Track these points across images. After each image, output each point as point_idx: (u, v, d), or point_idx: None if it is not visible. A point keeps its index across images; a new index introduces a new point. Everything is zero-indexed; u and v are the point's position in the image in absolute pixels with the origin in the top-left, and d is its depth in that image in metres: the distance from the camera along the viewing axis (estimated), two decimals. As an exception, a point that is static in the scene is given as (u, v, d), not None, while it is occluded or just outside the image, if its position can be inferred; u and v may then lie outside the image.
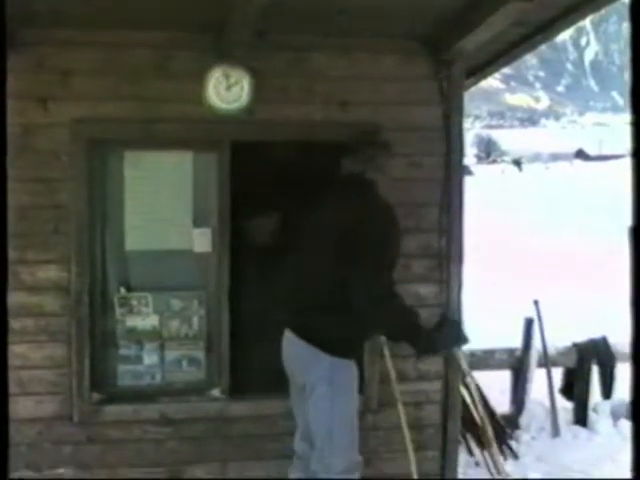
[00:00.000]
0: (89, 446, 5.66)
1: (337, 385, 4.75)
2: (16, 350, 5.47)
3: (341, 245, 4.66)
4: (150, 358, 5.82)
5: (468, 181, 6.10)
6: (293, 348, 4.90)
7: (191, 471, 5.76)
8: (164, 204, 5.77)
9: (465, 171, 6.21)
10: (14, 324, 5.45)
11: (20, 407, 5.53)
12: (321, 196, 5.10)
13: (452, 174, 5.81)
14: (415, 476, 5.31)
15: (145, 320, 5.79)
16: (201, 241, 5.73)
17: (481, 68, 7.08)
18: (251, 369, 5.87)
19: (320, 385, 4.75)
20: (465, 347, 6.41)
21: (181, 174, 5.78)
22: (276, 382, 5.82)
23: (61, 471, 5.63)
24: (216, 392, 5.77)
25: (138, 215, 5.74)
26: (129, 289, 5.76)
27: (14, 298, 5.43)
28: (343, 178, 5.05)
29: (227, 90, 5.49)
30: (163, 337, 5.83)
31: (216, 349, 5.79)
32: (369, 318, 4.70)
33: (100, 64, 5.48)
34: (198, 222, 5.77)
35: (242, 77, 5.50)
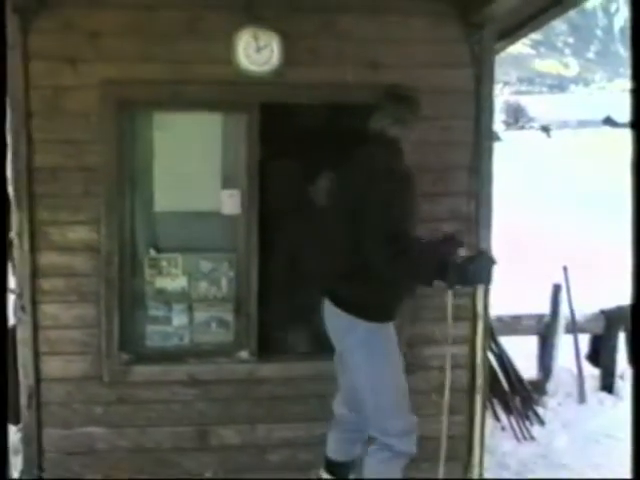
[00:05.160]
0: (118, 406, 5.71)
1: (375, 350, 4.76)
2: (46, 310, 5.53)
3: (358, 207, 4.63)
4: (179, 319, 5.84)
5: (496, 147, 6.06)
6: (330, 315, 4.92)
7: (219, 432, 5.80)
8: (193, 166, 5.76)
9: (494, 137, 6.16)
10: (45, 284, 5.51)
11: (50, 367, 5.60)
12: (345, 158, 5.04)
13: (482, 138, 5.78)
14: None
15: (174, 281, 5.81)
16: (229, 203, 5.72)
17: (511, 32, 7.04)
18: (279, 331, 5.89)
19: (358, 352, 4.77)
20: (492, 312, 6.40)
21: (210, 136, 5.77)
22: (304, 344, 5.87)
23: (91, 430, 5.68)
24: (244, 354, 5.78)
25: (167, 176, 5.75)
26: (158, 250, 5.78)
27: (45, 258, 5.49)
28: (367, 137, 4.98)
29: (257, 52, 5.46)
30: (192, 298, 5.84)
31: (244, 311, 5.79)
32: (387, 277, 4.69)
33: (129, 25, 5.47)
34: (227, 184, 5.76)
35: (272, 39, 5.47)
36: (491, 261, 4.78)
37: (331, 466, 5.23)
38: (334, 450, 5.24)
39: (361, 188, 4.66)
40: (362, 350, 4.74)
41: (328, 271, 4.94)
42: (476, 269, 4.69)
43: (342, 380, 5.08)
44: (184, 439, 5.78)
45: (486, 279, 4.82)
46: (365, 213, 4.58)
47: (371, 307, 4.75)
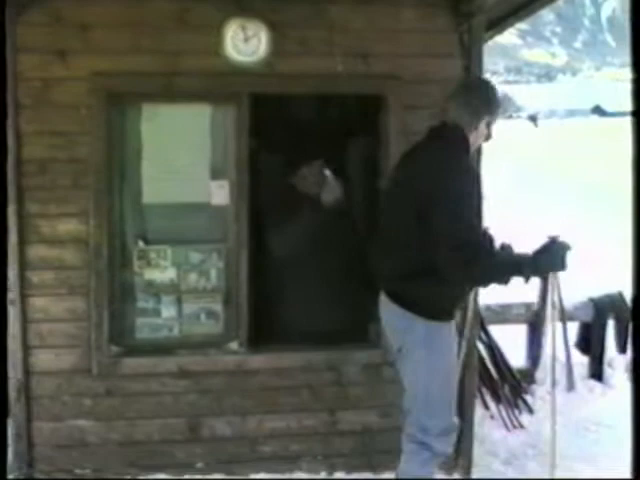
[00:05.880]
0: (108, 398, 5.69)
1: (433, 348, 4.69)
2: (36, 303, 5.52)
3: (425, 205, 4.49)
4: (168, 311, 5.82)
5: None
6: (388, 311, 4.84)
7: (210, 423, 5.79)
8: (182, 157, 5.75)
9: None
10: (34, 277, 5.49)
11: (40, 360, 5.58)
12: (414, 150, 4.93)
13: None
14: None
15: (163, 273, 5.79)
16: (218, 194, 5.71)
17: (499, 22, 7.03)
18: (269, 322, 5.88)
19: (416, 349, 4.70)
20: (481, 301, 6.40)
21: (199, 127, 5.77)
22: (294, 335, 5.86)
23: (81, 423, 5.68)
24: (234, 345, 5.77)
25: (156, 168, 5.73)
26: (147, 242, 5.76)
27: (34, 251, 5.47)
28: (438, 125, 4.86)
29: (245, 42, 5.46)
30: (181, 290, 5.83)
31: (234, 302, 5.78)
32: (458, 281, 4.63)
33: (118, 17, 5.45)
34: (216, 175, 5.76)
35: (260, 29, 5.47)
36: (564, 247, 4.67)
37: None
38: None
39: (430, 186, 4.51)
40: (421, 348, 4.67)
41: (389, 268, 4.83)
42: (550, 258, 4.61)
43: (403, 376, 4.99)
44: (174, 431, 5.77)
45: (561, 265, 4.69)
46: (435, 214, 4.45)
47: (431, 305, 4.67)
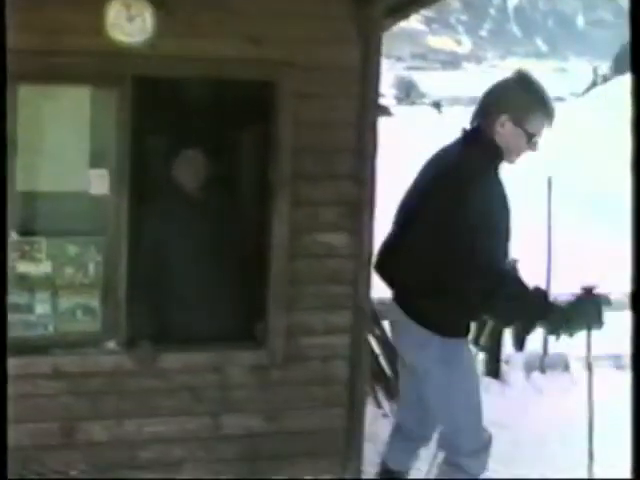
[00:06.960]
0: (-24, 401, 5.37)
1: (452, 366, 4.48)
2: None
3: (444, 222, 4.24)
4: (42, 307, 5.50)
5: (388, 122, 5.85)
6: (402, 327, 4.62)
7: (86, 427, 5.50)
8: (60, 143, 5.44)
9: (385, 112, 5.95)
10: None
11: None
12: (439, 155, 4.67)
13: (367, 117, 5.58)
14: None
15: (38, 266, 5.46)
16: (98, 183, 5.40)
17: (402, 8, 6.85)
18: (150, 321, 5.60)
19: (434, 368, 4.48)
20: (377, 295, 6.21)
21: (79, 111, 5.45)
22: (175, 334, 5.61)
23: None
24: (112, 344, 5.50)
25: (31, 154, 5.39)
26: (21, 233, 5.42)
27: None
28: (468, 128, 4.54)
29: (128, 22, 5.18)
30: (57, 285, 5.51)
31: (113, 299, 5.50)
32: (481, 308, 4.44)
33: (-8, -9, 5.09)
34: (96, 163, 5.44)
35: (144, 8, 5.18)
36: (601, 301, 4.35)
37: (387, 474, 5.02)
38: (392, 458, 5.03)
39: (450, 201, 4.24)
40: (439, 367, 4.45)
41: (405, 283, 4.58)
42: (583, 315, 4.32)
43: (409, 392, 4.84)
44: (48, 435, 5.45)
45: (597, 322, 4.37)
46: (454, 233, 4.19)
47: (447, 322, 4.41)
